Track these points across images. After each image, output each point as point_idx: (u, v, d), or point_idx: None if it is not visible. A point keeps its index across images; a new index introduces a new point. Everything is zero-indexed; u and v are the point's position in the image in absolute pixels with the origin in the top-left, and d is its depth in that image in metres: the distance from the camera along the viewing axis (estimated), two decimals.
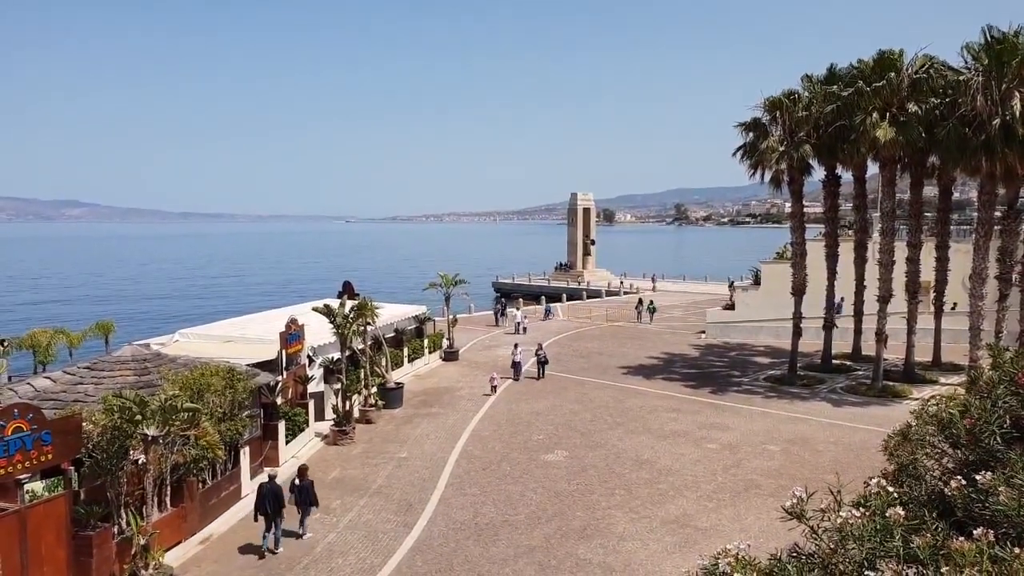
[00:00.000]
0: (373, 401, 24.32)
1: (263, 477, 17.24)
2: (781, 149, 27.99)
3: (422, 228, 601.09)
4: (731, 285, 55.02)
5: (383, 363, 26.53)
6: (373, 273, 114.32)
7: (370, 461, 20.03)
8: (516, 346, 29.93)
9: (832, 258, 30.95)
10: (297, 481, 15.83)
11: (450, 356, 34.12)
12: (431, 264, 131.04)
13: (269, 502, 14.95)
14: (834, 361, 31.22)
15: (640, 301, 47.92)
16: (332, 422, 22.29)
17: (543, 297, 58.08)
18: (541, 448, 20.82)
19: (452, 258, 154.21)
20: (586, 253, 77.13)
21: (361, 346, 25.11)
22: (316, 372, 23.43)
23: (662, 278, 72.30)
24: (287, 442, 20.04)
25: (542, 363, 29.31)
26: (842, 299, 32.63)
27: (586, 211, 77.21)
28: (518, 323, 41.26)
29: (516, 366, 28.91)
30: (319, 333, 23.68)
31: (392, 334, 30.03)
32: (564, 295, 60.44)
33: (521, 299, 55.12)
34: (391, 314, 30.03)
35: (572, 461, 19.69)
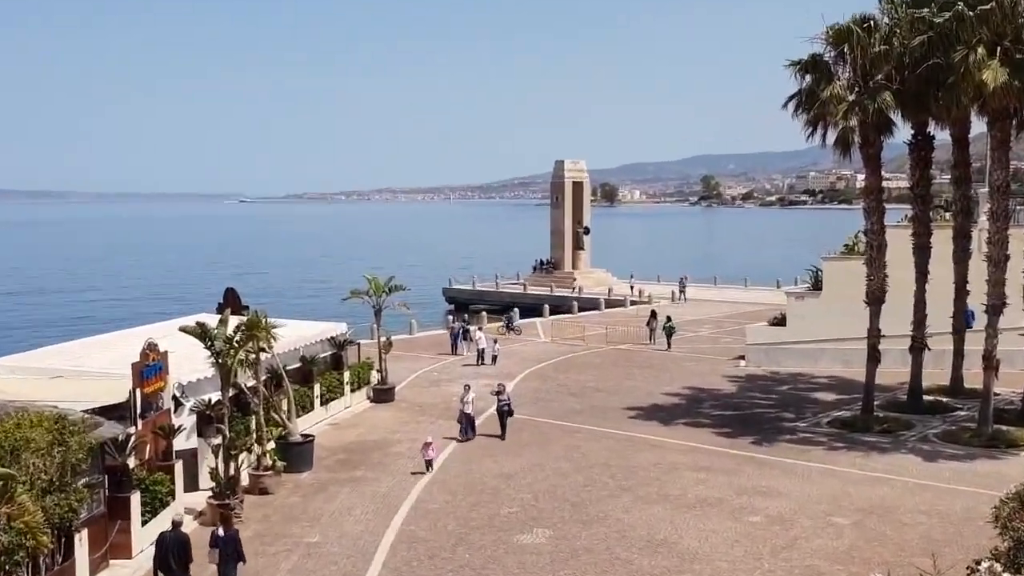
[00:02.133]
0: (270, 462, 24.10)
1: (165, 524, 17.54)
2: (851, 99, 28.44)
3: (341, 210, 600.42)
4: (802, 291, 55.80)
5: (284, 407, 26.38)
6: (272, 277, 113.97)
7: (266, 549, 19.80)
8: (467, 389, 29.01)
9: (922, 251, 31.51)
10: (220, 532, 16.36)
11: (382, 395, 33.96)
12: (355, 263, 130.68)
13: (174, 555, 15.30)
14: (926, 397, 31.77)
15: (653, 315, 48.39)
16: (210, 493, 22.16)
17: (515, 310, 58.33)
18: (514, 526, 20.75)
19: (386, 253, 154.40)
20: (577, 246, 77.66)
21: (252, 382, 24.99)
22: (186, 420, 23.23)
23: (685, 282, 73.00)
24: (144, 522, 19.71)
25: (504, 413, 28.79)
26: (971, 312, 31.87)
27: (577, 186, 77.85)
28: (481, 350, 41.24)
29: (467, 421, 28.37)
30: (191, 364, 23.59)
31: (298, 364, 29.81)
32: (546, 306, 60.75)
33: (484, 314, 55.23)
34: (296, 335, 29.82)
35: (558, 543, 19.63)
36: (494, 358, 41.02)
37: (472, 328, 46.04)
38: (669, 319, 46.03)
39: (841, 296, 37.25)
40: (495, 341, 42.13)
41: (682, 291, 66.94)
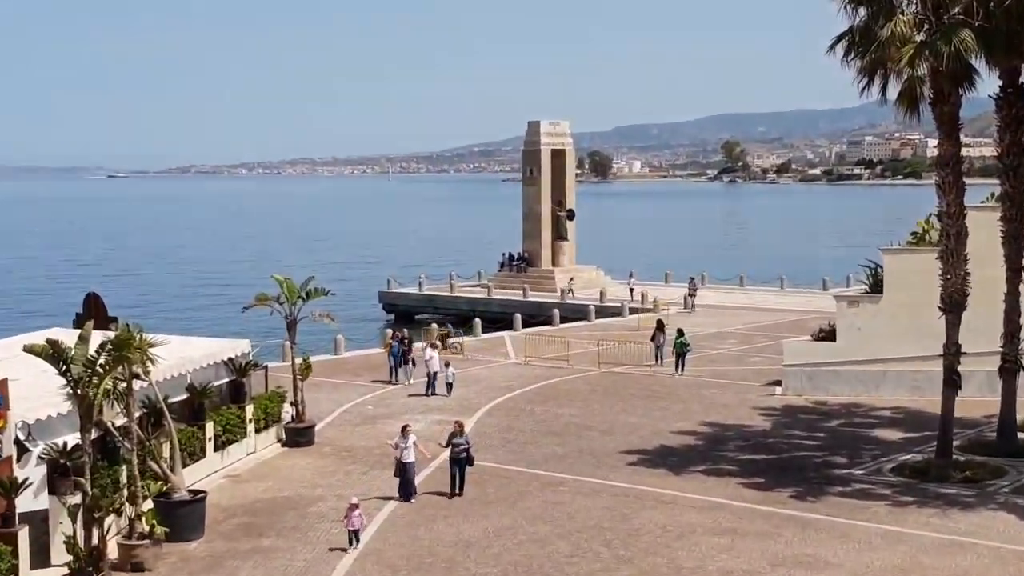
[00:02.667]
0: (146, 527, 23.90)
1: None
2: (919, 38, 28.64)
3: (241, 187, 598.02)
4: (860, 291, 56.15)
5: (166, 453, 26.19)
6: (149, 279, 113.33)
7: None
8: (404, 431, 28.48)
9: (1016, 241, 31.73)
10: None
11: (298, 437, 33.82)
12: (260, 260, 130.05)
13: None
14: (1021, 435, 32.03)
15: (660, 327, 48.52)
16: (66, 570, 21.90)
17: (474, 321, 58.11)
18: None
19: (302, 246, 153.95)
20: (559, 236, 77.92)
21: (123, 421, 24.78)
22: (33, 472, 22.98)
23: (700, 283, 73.30)
24: None
25: (461, 462, 28.49)
26: None
27: (558, 156, 78.29)
28: (432, 374, 41.04)
29: (404, 474, 28.00)
30: (39, 396, 23.45)
31: (184, 395, 29.61)
32: (517, 316, 60.83)
33: (435, 326, 55.14)
34: (183, 357, 29.62)
35: None
36: (448, 386, 40.90)
37: (419, 346, 45.83)
38: (680, 333, 46.19)
39: (908, 301, 37.52)
40: (447, 364, 42.02)
41: (691, 295, 67.03)
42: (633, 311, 64.29)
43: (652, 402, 39.65)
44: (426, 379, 41.20)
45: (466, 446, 28.49)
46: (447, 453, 28.76)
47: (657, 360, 46.87)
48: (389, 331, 51.87)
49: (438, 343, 47.40)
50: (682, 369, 45.03)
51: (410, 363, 43.73)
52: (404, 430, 28.50)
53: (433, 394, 40.68)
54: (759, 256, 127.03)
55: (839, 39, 30.13)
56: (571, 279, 73.29)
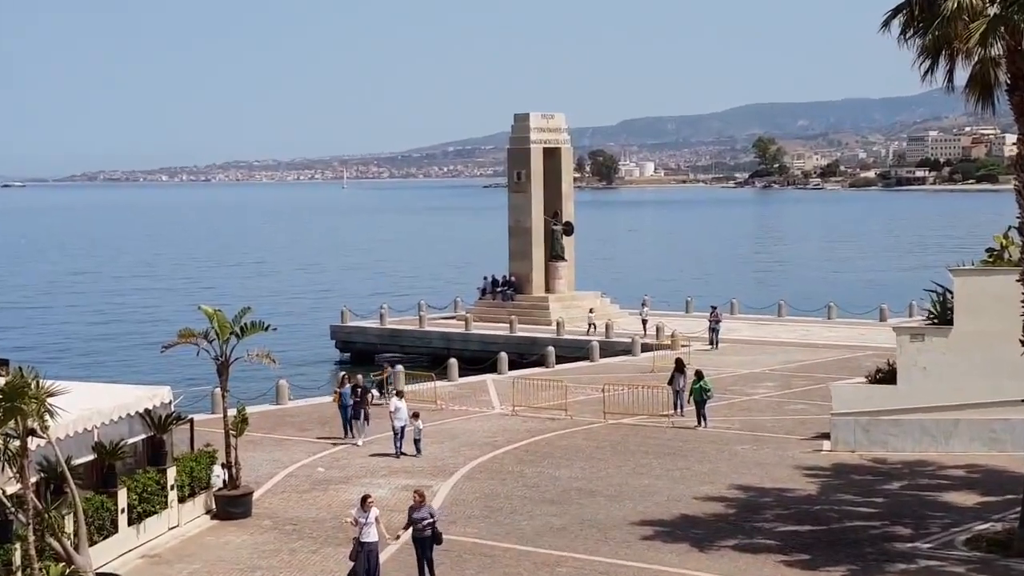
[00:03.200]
0: None
1: None
2: (993, 11, 28.79)
3: (159, 196, 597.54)
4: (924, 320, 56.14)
5: (69, 527, 26.07)
6: (46, 311, 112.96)
7: None
8: (366, 503, 28.49)
9: None
10: None
11: (232, 507, 33.67)
12: (185, 286, 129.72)
13: None
14: None
15: (680, 368, 48.39)
16: None
17: (453, 361, 57.93)
18: None
19: (237, 270, 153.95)
20: (554, 255, 78.05)
21: (16, 488, 24.67)
22: None
23: (725, 312, 73.15)
24: None
25: (425, 543, 28.01)
26: None
27: (552, 156, 78.59)
28: (400, 429, 40.75)
29: (365, 558, 27.33)
30: None
31: (91, 456, 29.51)
32: (503, 355, 60.76)
33: (401, 368, 55.11)
34: (89, 409, 29.50)
35: None
36: (416, 443, 40.77)
37: (380, 395, 45.69)
38: (700, 376, 45.80)
39: (984, 333, 37.52)
40: (415, 415, 41.80)
41: (713, 327, 66.72)
42: (646, 348, 64.23)
43: (670, 460, 39.60)
44: (394, 434, 40.96)
45: (431, 520, 27.62)
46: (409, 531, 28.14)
47: (676, 409, 46.77)
48: (343, 375, 51.52)
49: (403, 390, 47.23)
50: (704, 421, 44.95)
51: (361, 417, 43.34)
52: (364, 502, 27.75)
53: (402, 454, 40.58)
54: (801, 279, 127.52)
55: (895, 13, 30.25)
56: (591, 310, 73.00)
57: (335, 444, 42.79)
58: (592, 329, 70.15)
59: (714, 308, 68.94)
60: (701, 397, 45.03)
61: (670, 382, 47.82)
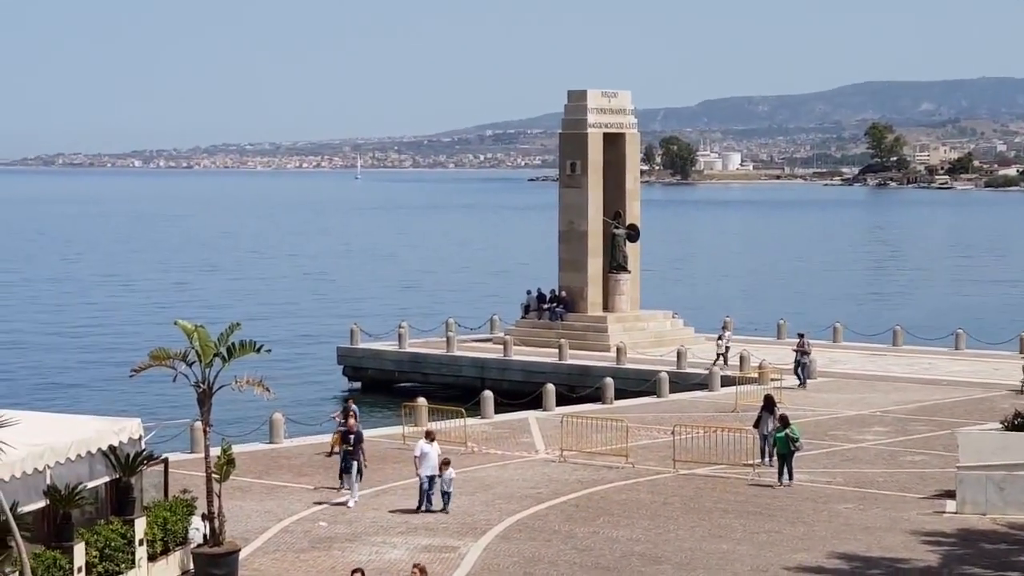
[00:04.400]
0: None
1: None
2: None
3: (129, 183, 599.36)
4: None
5: None
6: None
7: None
8: None
9: None
10: None
11: (213, 567, 33.61)
12: (158, 296, 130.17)
13: None
14: None
15: (769, 406, 48.15)
16: None
17: (485, 394, 57.86)
18: None
19: (223, 277, 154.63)
20: (614, 265, 78.05)
21: None
22: None
23: (805, 346, 72.27)
24: None
25: None
26: None
27: (614, 143, 78.75)
28: (428, 479, 40.03)
29: None
30: None
31: (41, 503, 29.61)
32: (549, 387, 60.77)
33: (424, 402, 55.14)
34: (39, 445, 29.62)
35: None
36: (445, 496, 40.65)
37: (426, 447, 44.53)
38: (785, 423, 45.21)
39: None
40: (446, 462, 41.56)
41: (798, 365, 66.00)
42: (727, 381, 64.17)
43: (755, 521, 39.47)
44: (423, 493, 40.57)
45: None
46: None
47: (764, 458, 46.59)
48: (350, 406, 51.40)
49: (433, 431, 45.95)
50: (789, 477, 44.55)
51: (354, 470, 41.84)
52: None
53: (428, 509, 40.32)
54: (923, 301, 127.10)
55: None
56: (724, 332, 72.12)
57: (339, 492, 42.79)
58: (721, 360, 69.04)
59: (801, 336, 68.42)
60: (787, 448, 44.22)
61: (756, 424, 47.61)
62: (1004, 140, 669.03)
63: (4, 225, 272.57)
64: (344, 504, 41.47)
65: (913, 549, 36.65)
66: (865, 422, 55.88)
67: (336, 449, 44.10)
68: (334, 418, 45.02)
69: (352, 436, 42.45)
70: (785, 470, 44.26)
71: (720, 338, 71.64)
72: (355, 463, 41.94)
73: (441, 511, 40.13)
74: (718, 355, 69.56)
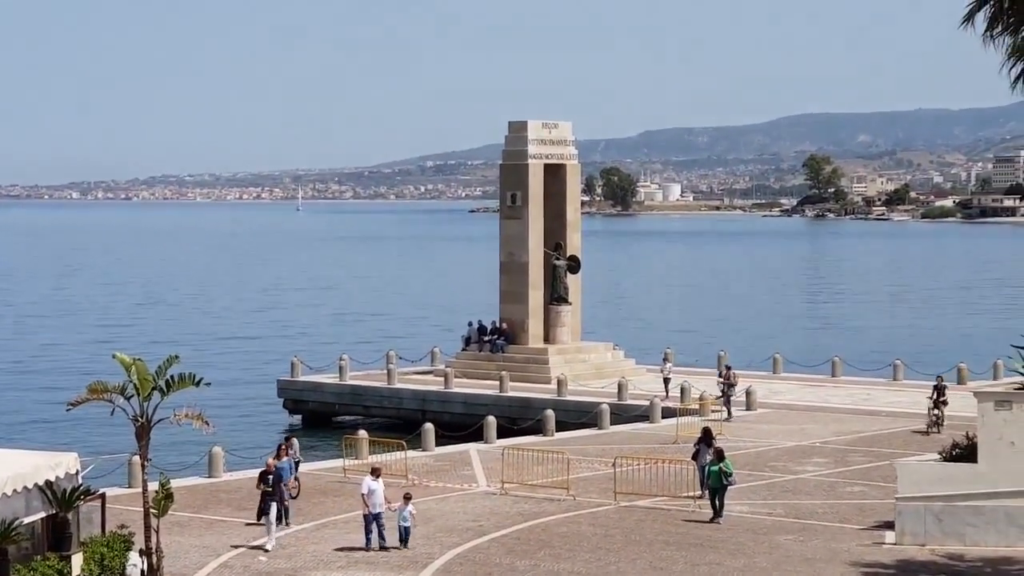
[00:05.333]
0: None
1: None
2: None
3: (66, 215, 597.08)
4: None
5: None
6: None
7: None
8: None
9: None
10: None
11: None
12: (97, 328, 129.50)
13: None
14: None
15: (707, 439, 48.10)
16: None
17: (425, 426, 57.76)
18: None
19: (163, 309, 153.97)
20: (555, 297, 77.95)
21: None
22: None
23: (729, 378, 72.27)
24: None
25: None
26: None
27: (555, 174, 78.77)
28: (373, 516, 39.21)
29: None
30: None
31: None
32: (490, 419, 60.75)
33: (365, 434, 54.94)
34: None
35: None
36: (404, 531, 39.71)
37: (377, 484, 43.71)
38: (720, 456, 44.48)
39: None
40: (407, 497, 40.79)
41: (725, 389, 65.77)
42: (668, 413, 64.24)
43: (697, 553, 39.41)
44: (365, 522, 40.21)
45: None
46: None
47: (703, 489, 46.66)
48: (290, 441, 51.17)
49: (379, 467, 44.86)
50: (719, 513, 43.89)
51: (272, 512, 40.48)
52: None
53: (383, 546, 39.48)
54: (861, 332, 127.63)
55: (980, 4, 30.50)
56: (665, 364, 72.08)
57: (279, 527, 42.46)
58: (559, 387, 69.59)
59: (728, 368, 68.30)
60: (719, 482, 43.82)
61: (695, 457, 47.70)
62: (940, 171, 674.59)
63: None
64: (261, 548, 40.08)
65: None
66: (805, 453, 56.00)
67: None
68: (276, 459, 44.04)
69: (271, 476, 41.45)
70: (717, 506, 43.73)
71: (662, 369, 72.02)
72: (273, 504, 40.72)
73: (397, 547, 39.44)
74: (665, 382, 69.82)
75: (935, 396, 59.83)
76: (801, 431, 61.12)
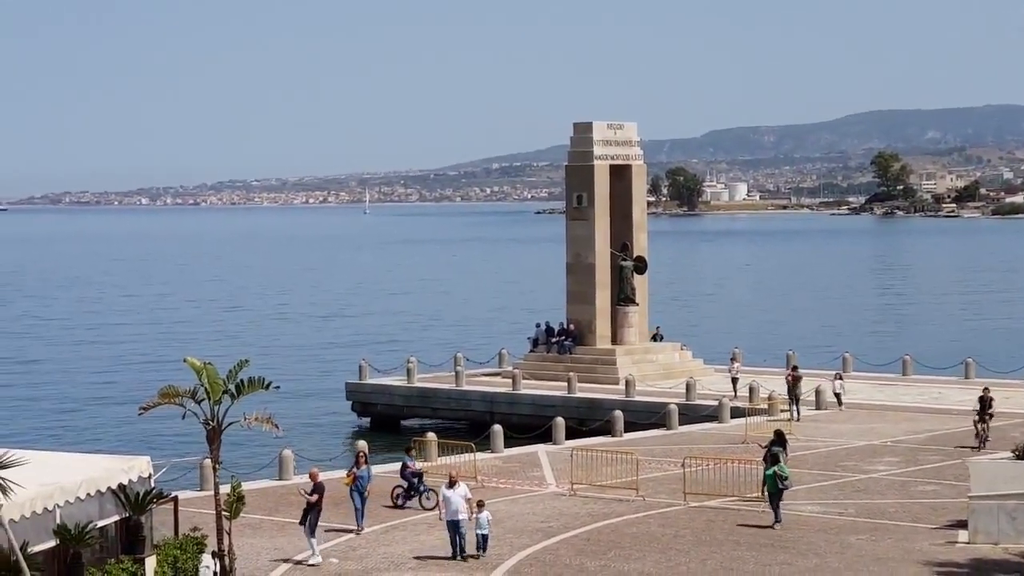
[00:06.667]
0: None
1: None
2: None
3: (135, 221, 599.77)
4: None
5: None
6: None
7: None
8: None
9: None
10: None
11: None
12: (168, 334, 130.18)
13: None
14: None
15: (780, 440, 47.64)
16: None
17: (497, 428, 57.71)
18: None
19: (232, 314, 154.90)
20: (622, 298, 78.09)
21: None
22: None
23: (839, 369, 72.36)
24: None
25: None
26: None
27: (620, 175, 78.79)
28: (455, 523, 38.45)
29: None
30: None
31: (51, 542, 29.52)
32: (559, 421, 60.62)
33: (434, 437, 54.97)
34: (47, 484, 29.50)
35: None
36: (482, 539, 38.97)
37: (448, 492, 43.18)
38: (774, 460, 43.93)
39: None
40: (480, 504, 39.77)
41: (792, 385, 64.30)
42: (737, 413, 64.10)
43: (767, 554, 39.32)
44: (448, 529, 39.03)
45: None
46: None
47: (768, 498, 45.72)
48: (360, 444, 51.28)
49: (455, 475, 42.05)
50: (777, 518, 43.11)
51: (308, 524, 39.24)
52: None
53: (462, 556, 38.81)
54: (932, 330, 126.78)
55: None
56: (733, 363, 71.70)
57: (350, 529, 42.54)
58: (628, 388, 69.39)
59: (795, 367, 68.08)
60: (775, 487, 43.24)
61: (766, 459, 47.07)
62: (1010, 167, 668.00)
63: (14, 264, 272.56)
64: (304, 563, 39.01)
65: None
66: (876, 452, 55.75)
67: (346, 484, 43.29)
68: (356, 468, 43.44)
69: (316, 486, 40.00)
70: (773, 509, 43.13)
71: (730, 369, 71.83)
72: (311, 517, 39.35)
73: (476, 555, 38.80)
74: (733, 382, 69.63)
75: (980, 409, 57.89)
76: (872, 430, 60.84)
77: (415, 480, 44.97)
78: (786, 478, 43.36)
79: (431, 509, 43.90)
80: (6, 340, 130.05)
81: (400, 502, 43.92)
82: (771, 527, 42.87)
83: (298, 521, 40.57)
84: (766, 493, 43.85)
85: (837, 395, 67.00)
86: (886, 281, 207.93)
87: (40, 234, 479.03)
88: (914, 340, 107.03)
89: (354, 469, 43.36)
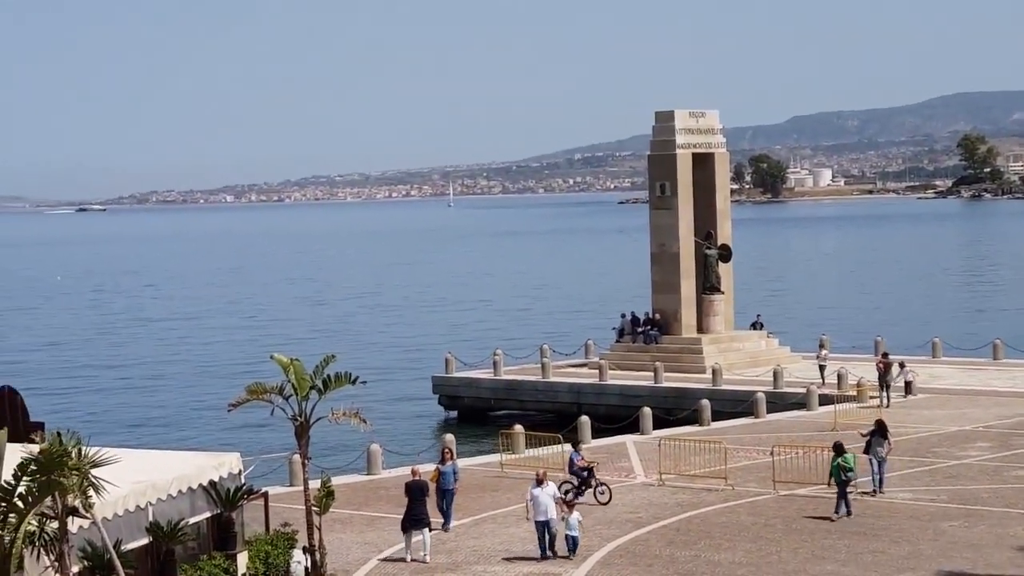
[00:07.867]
0: None
1: None
2: None
3: (221, 219, 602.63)
4: None
5: None
6: (89, 366, 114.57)
7: None
8: None
9: None
10: None
11: None
12: (256, 330, 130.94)
13: None
14: None
15: (880, 430, 47.02)
16: None
17: (584, 419, 57.71)
18: None
19: (318, 310, 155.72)
20: (707, 287, 78.01)
21: None
22: None
23: (923, 356, 71.10)
24: None
25: None
26: None
27: (703, 163, 78.61)
28: (543, 524, 37.26)
29: None
30: None
31: (144, 540, 29.66)
32: (646, 411, 60.57)
33: (521, 429, 54.88)
34: (140, 482, 29.60)
35: None
36: (572, 541, 38.15)
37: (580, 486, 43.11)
38: (839, 451, 43.18)
39: None
40: (572, 506, 39.18)
41: (883, 374, 63.91)
42: (826, 400, 63.77)
43: (859, 541, 39.15)
44: (538, 530, 38.36)
45: None
46: None
47: (874, 484, 45.53)
48: (448, 438, 50.99)
49: (544, 474, 41.02)
50: (846, 508, 42.42)
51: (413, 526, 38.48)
52: None
53: (551, 555, 38.19)
54: (1022, 314, 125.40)
55: None
56: (821, 351, 71.31)
57: (438, 523, 42.51)
58: (715, 377, 69.35)
59: (885, 354, 67.77)
60: (841, 477, 42.41)
61: (867, 450, 46.20)
62: None
63: (100, 264, 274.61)
64: (408, 559, 38.47)
65: (1021, 566, 36.28)
66: (967, 438, 55.36)
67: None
68: (441, 464, 42.92)
69: (417, 482, 39.48)
70: (843, 502, 42.51)
71: (818, 356, 71.46)
72: (418, 515, 38.52)
73: (566, 557, 37.99)
74: (821, 369, 69.33)
75: None
76: (963, 415, 60.41)
77: (585, 475, 44.64)
78: (850, 469, 42.62)
79: (606, 503, 44.13)
80: (91, 341, 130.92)
81: (571, 498, 41.46)
82: (836, 518, 42.02)
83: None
84: (834, 484, 43.08)
85: (908, 383, 66.46)
86: (974, 265, 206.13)
87: (149, 233, 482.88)
88: (1004, 324, 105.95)
89: (439, 466, 43.13)
